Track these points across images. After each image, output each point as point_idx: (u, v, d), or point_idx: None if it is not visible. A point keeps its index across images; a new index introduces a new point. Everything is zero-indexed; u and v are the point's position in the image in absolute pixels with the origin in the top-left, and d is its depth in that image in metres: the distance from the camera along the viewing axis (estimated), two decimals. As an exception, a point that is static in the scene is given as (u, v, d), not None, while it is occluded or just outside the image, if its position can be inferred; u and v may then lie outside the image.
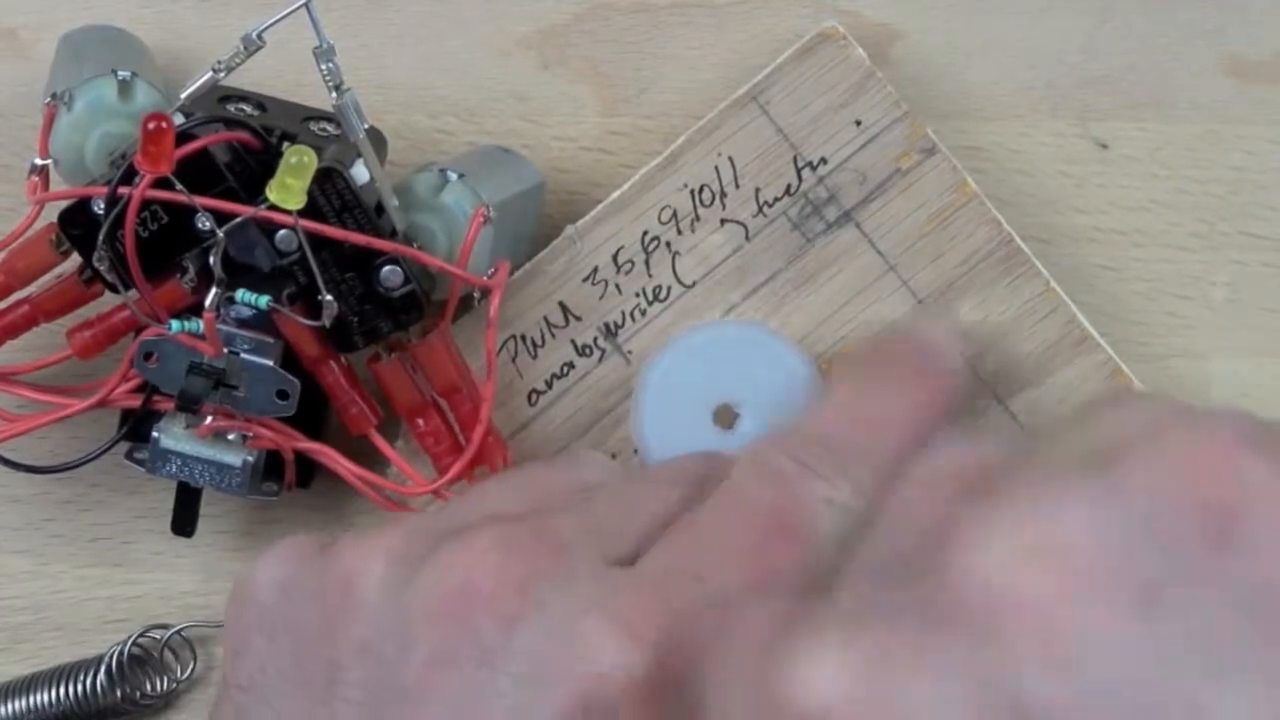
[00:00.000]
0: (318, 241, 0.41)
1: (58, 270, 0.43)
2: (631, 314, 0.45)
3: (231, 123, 0.41)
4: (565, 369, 0.45)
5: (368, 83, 0.45)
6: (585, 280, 0.45)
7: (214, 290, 0.40)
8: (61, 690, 0.46)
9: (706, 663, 0.27)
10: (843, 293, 0.45)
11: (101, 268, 0.41)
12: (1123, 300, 0.47)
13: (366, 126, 0.40)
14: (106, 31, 0.45)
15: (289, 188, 0.39)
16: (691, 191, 0.45)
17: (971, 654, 0.22)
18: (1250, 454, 0.22)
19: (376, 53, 0.47)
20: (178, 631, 0.47)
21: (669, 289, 0.45)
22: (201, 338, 0.41)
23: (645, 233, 0.45)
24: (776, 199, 0.45)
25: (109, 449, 0.44)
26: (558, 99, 0.47)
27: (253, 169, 0.41)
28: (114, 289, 0.42)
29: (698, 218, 0.45)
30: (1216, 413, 0.24)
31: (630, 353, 0.45)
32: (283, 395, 0.42)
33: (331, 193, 0.41)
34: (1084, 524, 0.22)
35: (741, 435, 0.44)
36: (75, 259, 0.42)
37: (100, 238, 0.40)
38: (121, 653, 0.47)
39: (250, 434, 0.43)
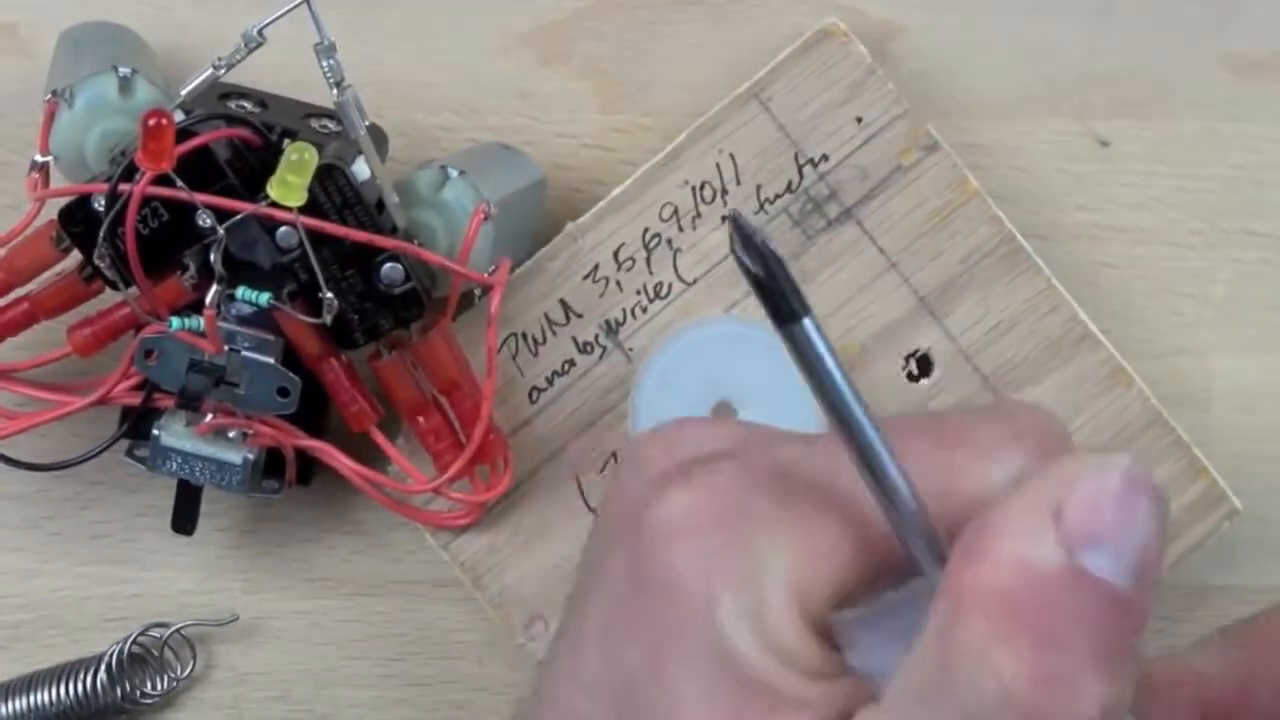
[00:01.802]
0: (318, 238, 0.41)
1: (58, 267, 0.43)
2: (633, 311, 0.45)
3: (232, 119, 0.41)
4: (566, 366, 0.45)
5: (369, 79, 0.45)
6: (586, 277, 0.45)
7: (214, 287, 0.40)
8: (61, 689, 0.46)
9: None
10: (844, 290, 0.45)
11: (102, 265, 0.41)
12: (1124, 298, 0.47)
13: (367, 123, 0.40)
14: (106, 28, 0.45)
15: (290, 184, 0.39)
16: (693, 188, 0.45)
17: None
18: None
19: (377, 49, 0.47)
20: (178, 630, 0.47)
21: (670, 286, 0.45)
22: (202, 335, 0.41)
23: (646, 230, 0.45)
24: (777, 196, 0.45)
25: (109, 446, 0.44)
26: (559, 96, 0.47)
27: (253, 166, 0.41)
28: (114, 286, 0.42)
29: (699, 215, 0.45)
30: None
31: (631, 350, 0.45)
32: (283, 393, 0.42)
33: (332, 189, 0.41)
34: None
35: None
36: (75, 256, 0.42)
37: (101, 235, 0.40)
38: (121, 651, 0.47)
39: (251, 431, 0.43)
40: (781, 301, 0.26)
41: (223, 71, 0.40)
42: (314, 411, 0.44)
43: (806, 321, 0.26)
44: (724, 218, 0.26)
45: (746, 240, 0.26)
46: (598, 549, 0.30)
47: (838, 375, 0.26)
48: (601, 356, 0.45)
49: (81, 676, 0.47)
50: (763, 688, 0.27)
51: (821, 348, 0.26)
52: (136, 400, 0.43)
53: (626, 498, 0.29)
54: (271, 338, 0.42)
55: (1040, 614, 0.25)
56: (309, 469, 0.45)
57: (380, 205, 0.42)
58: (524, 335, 0.45)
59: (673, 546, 0.28)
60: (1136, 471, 0.25)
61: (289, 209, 0.39)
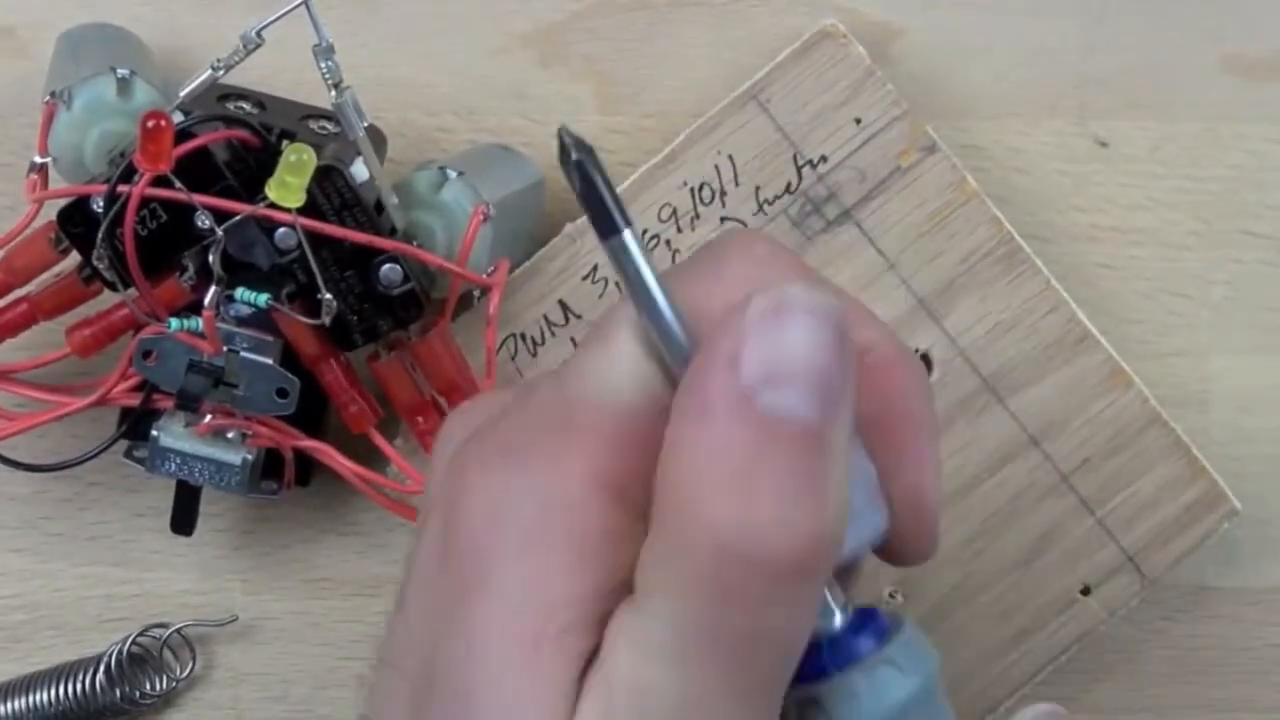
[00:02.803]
0: (317, 240, 0.41)
1: (57, 269, 0.43)
2: (631, 312, 0.45)
3: (231, 121, 0.41)
4: (565, 367, 0.45)
5: (367, 81, 0.45)
6: (585, 278, 0.45)
7: (213, 288, 0.40)
8: (61, 689, 0.46)
9: None
10: (842, 291, 0.45)
11: (101, 266, 0.41)
12: (1122, 298, 0.47)
13: (366, 124, 0.40)
14: (105, 29, 0.45)
15: (288, 186, 0.39)
16: (691, 189, 0.45)
17: None
18: None
19: (376, 51, 0.47)
20: (177, 630, 0.47)
21: (669, 287, 0.45)
22: (201, 336, 0.41)
23: (645, 231, 0.45)
24: (776, 197, 0.45)
25: (108, 447, 0.44)
26: (557, 97, 0.47)
27: (252, 167, 0.41)
28: (113, 287, 0.42)
29: (698, 216, 0.45)
30: None
31: (630, 351, 0.45)
32: (282, 393, 0.42)
33: (331, 191, 0.41)
34: None
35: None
36: (74, 257, 0.42)
37: (99, 236, 0.40)
38: (121, 652, 0.47)
39: (249, 432, 0.43)
40: (602, 215, 0.26)
41: (221, 73, 0.40)
42: (313, 412, 0.44)
43: (626, 234, 0.26)
44: (559, 133, 0.27)
45: (570, 155, 0.26)
46: (420, 520, 0.31)
47: (655, 288, 0.27)
48: (600, 357, 0.45)
49: (81, 677, 0.47)
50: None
51: (640, 260, 0.27)
52: (135, 401, 0.43)
53: (438, 476, 0.30)
54: (270, 339, 0.42)
55: (733, 461, 0.25)
56: (308, 470, 0.45)
57: (379, 206, 0.42)
58: (523, 336, 0.45)
59: (472, 510, 0.28)
60: (791, 297, 0.26)
61: (288, 210, 0.39)
